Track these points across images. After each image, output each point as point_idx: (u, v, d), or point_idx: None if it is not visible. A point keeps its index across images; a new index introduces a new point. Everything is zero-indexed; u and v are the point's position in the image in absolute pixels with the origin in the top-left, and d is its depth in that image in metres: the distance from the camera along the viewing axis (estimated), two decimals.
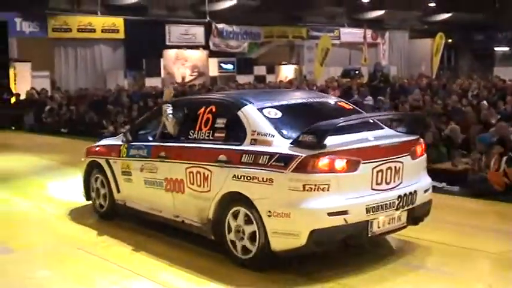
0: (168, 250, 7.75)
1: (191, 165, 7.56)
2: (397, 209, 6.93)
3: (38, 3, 30.24)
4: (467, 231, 8.64)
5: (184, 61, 34.81)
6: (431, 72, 34.92)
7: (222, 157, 7.16)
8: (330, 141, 6.53)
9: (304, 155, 6.44)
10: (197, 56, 35.53)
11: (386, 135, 7.37)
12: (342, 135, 6.78)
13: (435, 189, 10.90)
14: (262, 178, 6.65)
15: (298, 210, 6.43)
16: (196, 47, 36.05)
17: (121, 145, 9.05)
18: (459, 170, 12.41)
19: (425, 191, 7.44)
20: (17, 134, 23.25)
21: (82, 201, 10.08)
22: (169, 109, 8.27)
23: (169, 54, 34.59)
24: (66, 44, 32.53)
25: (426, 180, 7.60)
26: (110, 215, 9.38)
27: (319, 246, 6.62)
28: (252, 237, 6.84)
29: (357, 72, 35.85)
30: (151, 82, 30.93)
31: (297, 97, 8.24)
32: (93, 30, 32.64)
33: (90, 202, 9.89)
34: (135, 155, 8.68)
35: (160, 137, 8.44)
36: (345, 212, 6.48)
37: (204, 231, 7.53)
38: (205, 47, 36.23)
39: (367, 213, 6.64)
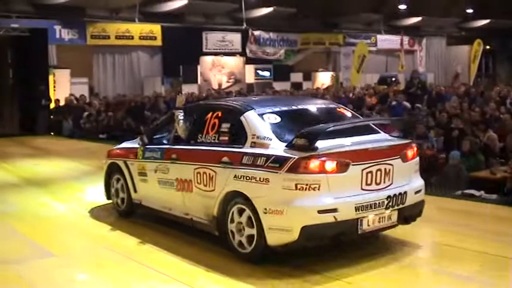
0: (203, 255, 7.80)
1: (198, 166, 8.16)
2: (386, 208, 7.33)
3: (77, 11, 30.61)
4: (507, 240, 8.55)
5: (221, 68, 34.90)
6: (469, 80, 34.68)
7: (225, 159, 7.73)
8: (322, 144, 7.02)
9: (296, 157, 6.95)
10: (234, 62, 35.59)
11: (378, 139, 7.79)
12: (334, 139, 7.23)
13: (473, 197, 10.94)
14: (260, 178, 7.19)
15: (291, 207, 6.92)
16: (233, 54, 36.11)
17: (138, 148, 9.66)
18: (497, 178, 12.33)
19: (417, 192, 7.80)
20: (56, 139, 23.54)
21: (139, 212, 10.21)
22: (180, 115, 8.83)
23: (206, 60, 34.70)
24: (104, 51, 32.80)
25: (418, 182, 7.95)
26: (128, 214, 10.02)
27: (310, 241, 7.08)
28: (251, 233, 7.34)
29: (393, 79, 35.71)
30: (188, 89, 31.02)
31: (298, 103, 8.63)
32: (131, 37, 32.87)
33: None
34: (150, 157, 9.32)
35: (174, 141, 9.03)
36: (334, 210, 6.94)
37: (209, 228, 8.09)
38: (242, 53, 36.28)
39: (356, 211, 7.08)
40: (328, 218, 6.92)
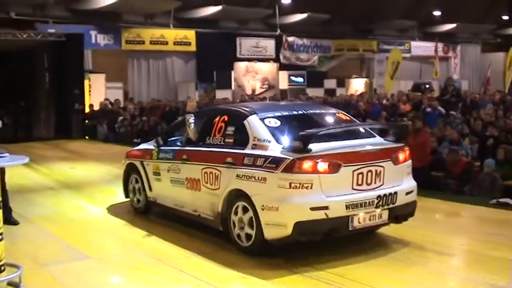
0: (238, 260, 7.82)
1: (205, 166, 8.72)
2: (376, 207, 7.76)
3: (113, 17, 30.92)
4: None
5: (254, 74, 35.00)
6: (504, 87, 34.31)
7: (229, 159, 8.27)
8: (316, 146, 7.53)
9: (291, 158, 7.44)
10: (267, 68, 35.67)
11: (371, 143, 8.26)
12: (328, 142, 7.75)
13: (507, 206, 10.84)
14: (258, 177, 7.71)
15: (285, 204, 7.42)
16: (267, 60, 36.22)
17: (153, 149, 10.30)
18: None
19: (408, 193, 8.20)
20: (91, 143, 23.76)
21: (153, 210, 10.28)
22: (191, 119, 9.45)
23: (240, 66, 34.84)
24: (139, 56, 33.10)
25: (409, 184, 8.35)
26: (144, 211, 10.61)
27: (303, 236, 7.52)
28: (251, 227, 7.86)
29: (427, 86, 35.51)
30: (222, 94, 31.15)
31: (299, 109, 9.11)
32: (166, 43, 33.13)
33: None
34: (163, 158, 9.93)
35: (186, 143, 9.62)
36: (325, 208, 7.40)
37: (215, 224, 8.61)
38: (276, 59, 36.38)
39: (347, 209, 7.52)
40: (320, 214, 7.40)
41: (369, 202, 7.68)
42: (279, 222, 7.49)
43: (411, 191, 8.31)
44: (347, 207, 7.52)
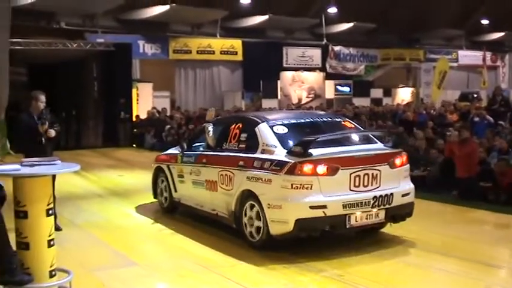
0: (282, 268, 7.87)
1: (222, 169, 9.54)
2: (372, 207, 8.42)
3: (160, 26, 31.25)
4: None
5: (301, 83, 34.96)
6: None
7: (241, 163, 9.08)
8: (317, 151, 8.26)
9: (293, 161, 8.21)
10: (314, 78, 35.62)
11: (370, 149, 8.93)
12: (329, 148, 8.50)
13: None
14: (265, 178, 8.50)
15: (287, 203, 8.20)
16: (313, 69, 36.19)
17: (178, 154, 11.19)
18: None
19: (404, 195, 8.84)
20: (138, 151, 23.99)
21: (199, 218, 10.36)
22: (210, 127, 10.33)
23: (286, 75, 34.84)
24: (186, 65, 33.35)
25: (406, 186, 8.99)
26: (170, 210, 11.49)
27: (303, 232, 8.27)
28: (258, 224, 8.61)
29: (475, 95, 35.09)
30: (268, 103, 31.22)
31: (307, 117, 10.00)
32: (212, 52, 33.35)
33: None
34: (186, 162, 10.80)
35: (206, 148, 10.49)
36: (324, 207, 8.13)
37: (229, 221, 9.40)
38: (322, 69, 36.34)
39: (344, 208, 8.23)
40: (319, 212, 8.12)
41: (365, 202, 8.36)
42: (282, 219, 8.26)
43: (408, 193, 8.95)
44: (344, 206, 8.23)
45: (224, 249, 8.84)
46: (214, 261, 8.29)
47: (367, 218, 8.49)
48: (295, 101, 33.95)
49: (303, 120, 9.70)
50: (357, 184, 8.36)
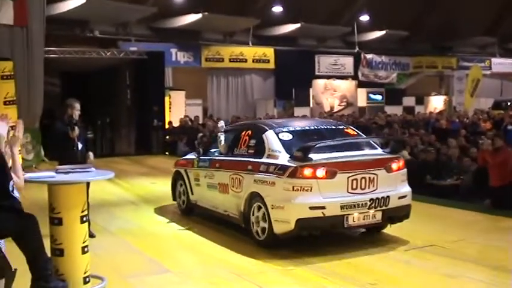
0: (315, 276, 7.87)
1: (232, 173, 10.21)
2: (369, 209, 8.97)
3: (193, 35, 31.41)
4: None
5: (333, 91, 34.93)
6: None
7: (249, 167, 9.75)
8: (317, 156, 8.89)
9: (294, 166, 8.85)
10: (346, 86, 35.58)
11: (368, 154, 9.54)
12: (329, 153, 9.09)
13: None
14: (269, 181, 9.14)
15: (289, 204, 8.80)
16: (345, 77, 36.16)
17: (194, 159, 11.92)
18: None
19: (401, 197, 9.39)
20: (171, 159, 23.99)
21: (231, 224, 10.40)
22: (222, 137, 11.07)
23: (319, 84, 34.84)
24: (218, 73, 33.47)
25: (403, 189, 9.52)
26: (187, 212, 12.19)
27: (304, 231, 8.92)
28: (264, 224, 9.22)
29: (509, 103, 34.79)
30: (300, 111, 31.19)
31: (311, 125, 10.69)
32: (245, 60, 33.43)
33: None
34: (202, 166, 11.50)
35: (220, 153, 11.11)
36: (322, 207, 8.71)
37: (239, 221, 10.02)
38: (354, 77, 36.27)
39: (341, 209, 8.80)
40: (318, 213, 8.70)
41: (362, 204, 8.92)
42: (284, 219, 8.87)
43: (404, 196, 9.49)
44: (342, 207, 8.80)
45: (253, 255, 8.92)
46: (245, 268, 8.31)
47: (364, 219, 9.06)
48: (327, 109, 33.94)
49: (307, 128, 10.36)
50: (354, 187, 8.93)
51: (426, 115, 29.64)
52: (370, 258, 8.66)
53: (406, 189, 9.63)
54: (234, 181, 10.15)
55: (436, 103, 37.61)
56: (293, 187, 8.78)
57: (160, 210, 12.82)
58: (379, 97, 36.55)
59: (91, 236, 9.01)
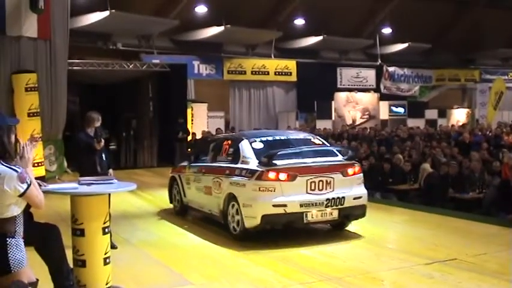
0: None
1: (214, 177, 11.75)
2: (326, 207, 10.38)
3: (215, 47, 31.54)
4: None
5: (355, 104, 34.86)
6: None
7: (227, 171, 11.28)
8: (281, 162, 10.38)
9: (261, 170, 10.35)
10: (368, 98, 35.49)
11: (326, 161, 10.78)
12: (291, 159, 10.53)
13: None
14: (241, 183, 10.66)
15: (256, 202, 10.28)
16: (367, 90, 36.10)
17: (186, 165, 13.48)
18: None
19: (355, 198, 10.77)
20: None
21: (254, 238, 10.41)
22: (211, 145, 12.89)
23: (341, 96, 34.78)
24: (240, 86, 33.57)
25: (358, 191, 10.89)
26: (181, 212, 13.71)
27: (268, 225, 10.37)
28: (238, 220, 10.69)
29: None
30: (322, 124, 31.15)
31: (281, 135, 12.13)
32: (267, 73, 33.50)
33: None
34: (192, 172, 13.04)
35: (206, 160, 12.74)
36: (284, 205, 10.18)
37: (220, 218, 11.49)
38: (376, 89, 36.18)
39: (301, 207, 10.23)
40: (280, 210, 10.18)
41: (320, 203, 10.32)
42: (252, 215, 10.30)
43: (359, 197, 10.85)
44: (301, 205, 10.23)
45: (277, 269, 8.88)
46: (270, 282, 8.27)
47: (322, 216, 10.44)
48: (349, 121, 33.84)
49: (277, 138, 11.71)
50: (312, 188, 10.32)
51: (448, 128, 29.50)
52: (393, 271, 8.63)
53: (362, 191, 11.00)
54: (216, 184, 11.63)
55: (459, 116, 37.40)
56: (259, 188, 10.24)
57: (182, 222, 12.83)
58: (401, 110, 36.37)
59: (113, 247, 9.05)
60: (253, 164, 10.71)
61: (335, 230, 11.51)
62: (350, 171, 10.79)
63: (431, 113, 36.63)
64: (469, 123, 33.56)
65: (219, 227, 11.78)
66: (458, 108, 38.83)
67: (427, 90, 39.54)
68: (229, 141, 12.09)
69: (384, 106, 35.89)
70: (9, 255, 5.03)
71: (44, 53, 18.45)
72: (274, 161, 10.36)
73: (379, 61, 36.37)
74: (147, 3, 28.73)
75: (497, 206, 13.21)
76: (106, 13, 24.89)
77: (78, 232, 6.70)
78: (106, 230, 6.81)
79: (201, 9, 29.60)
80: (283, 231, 10.87)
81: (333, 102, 34.10)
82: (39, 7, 17.66)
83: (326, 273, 8.51)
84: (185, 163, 13.70)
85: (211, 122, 29.28)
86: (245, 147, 11.24)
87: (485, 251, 9.76)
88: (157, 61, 27.46)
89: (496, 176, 14.33)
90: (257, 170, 10.41)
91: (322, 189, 10.37)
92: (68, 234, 6.83)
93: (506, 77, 39.08)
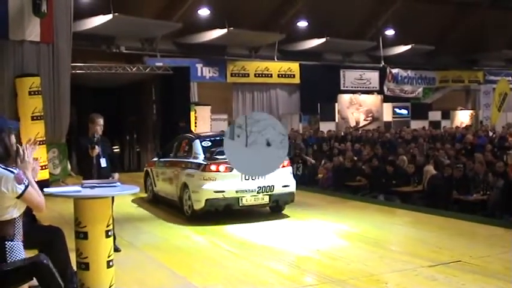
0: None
1: (174, 169, 14.39)
2: (258, 193, 12.90)
3: (218, 50, 31.54)
4: None
5: (358, 106, 34.77)
6: None
7: (183, 165, 13.86)
8: (221, 157, 12.62)
9: (205, 163, 12.92)
10: (371, 100, 35.40)
11: None
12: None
13: None
14: (192, 174, 13.19)
15: (201, 189, 12.73)
16: (371, 92, 36.04)
17: (156, 160, 16.11)
18: None
19: (284, 186, 13.28)
20: None
21: (260, 241, 10.40)
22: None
23: (344, 98, 34.70)
24: (243, 88, 33.56)
25: (287, 181, 13.42)
26: (153, 201, 16.11)
27: (210, 207, 12.75)
28: (189, 203, 13.12)
29: None
30: (325, 126, 31.07)
31: (222, 136, 13.49)
32: (270, 75, 33.49)
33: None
34: (160, 165, 15.66)
35: (172, 156, 15.22)
36: (223, 192, 12.66)
37: (178, 203, 13.90)
38: (380, 91, 36.13)
39: (236, 193, 12.74)
40: (219, 195, 12.66)
41: (252, 190, 12.83)
42: (198, 199, 12.74)
43: (287, 185, 13.35)
44: (236, 191, 12.73)
45: (280, 272, 8.89)
46: (272, 285, 8.26)
47: (255, 200, 12.97)
48: (352, 123, 33.75)
49: (219, 138, 13.61)
50: (247, 178, 12.75)
51: (452, 129, 29.46)
52: (397, 274, 8.62)
53: (290, 181, 13.51)
54: (175, 175, 14.18)
55: (463, 117, 37.30)
56: (203, 177, 12.74)
57: (187, 225, 12.84)
58: (404, 112, 36.29)
59: (116, 250, 9.06)
60: (201, 158, 13.29)
61: (273, 212, 13.84)
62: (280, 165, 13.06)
63: (435, 115, 36.54)
64: (473, 125, 33.48)
65: (221, 229, 11.78)
66: (462, 109, 38.72)
67: (430, 91, 39.48)
68: (187, 141, 14.77)
69: (387, 108, 35.81)
70: (7, 258, 5.02)
71: (47, 56, 18.43)
72: (216, 156, 12.79)
73: (383, 63, 36.34)
74: (150, 7, 28.72)
75: (502, 207, 13.19)
76: (109, 16, 24.90)
77: (82, 235, 6.71)
78: (109, 233, 6.82)
79: (204, 12, 29.62)
80: (283, 232, 11.64)
81: (336, 104, 34.01)
82: (42, 11, 17.66)
83: (329, 275, 8.51)
84: (155, 159, 16.32)
85: (214, 124, 29.24)
86: (197, 145, 13.78)
87: (489, 253, 9.75)
88: (160, 64, 27.42)
89: (500, 178, 14.29)
90: (202, 163, 12.97)
91: (254, 179, 12.79)
92: (72, 237, 6.84)
93: (510, 78, 38.89)
